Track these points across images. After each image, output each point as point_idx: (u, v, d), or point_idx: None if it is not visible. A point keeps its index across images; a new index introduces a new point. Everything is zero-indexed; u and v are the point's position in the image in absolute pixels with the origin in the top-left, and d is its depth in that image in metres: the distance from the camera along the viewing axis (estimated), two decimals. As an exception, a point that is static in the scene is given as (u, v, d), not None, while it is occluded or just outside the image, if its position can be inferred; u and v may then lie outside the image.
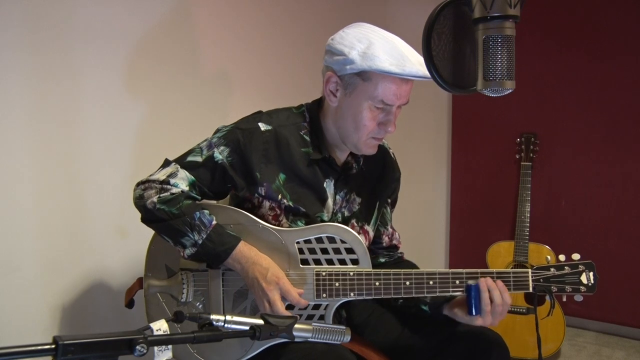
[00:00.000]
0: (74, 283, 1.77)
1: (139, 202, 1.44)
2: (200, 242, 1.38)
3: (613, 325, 2.96)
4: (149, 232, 1.53)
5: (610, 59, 2.80)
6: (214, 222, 1.40)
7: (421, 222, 3.36)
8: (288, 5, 2.53)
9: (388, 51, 1.36)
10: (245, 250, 1.40)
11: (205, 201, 1.50)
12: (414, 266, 1.63)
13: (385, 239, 1.67)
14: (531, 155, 2.89)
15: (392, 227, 1.70)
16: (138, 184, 1.48)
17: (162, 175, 1.45)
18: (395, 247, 1.70)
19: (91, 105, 1.78)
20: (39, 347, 0.79)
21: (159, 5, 1.97)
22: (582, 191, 2.93)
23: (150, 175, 1.47)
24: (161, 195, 1.41)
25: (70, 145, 1.74)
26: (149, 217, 1.43)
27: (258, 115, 1.52)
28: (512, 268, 2.73)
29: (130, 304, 1.60)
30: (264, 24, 2.41)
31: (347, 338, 1.09)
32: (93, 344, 0.83)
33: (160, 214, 1.40)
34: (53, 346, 0.80)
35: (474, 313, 1.39)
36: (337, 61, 1.41)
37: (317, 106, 1.55)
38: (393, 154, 1.70)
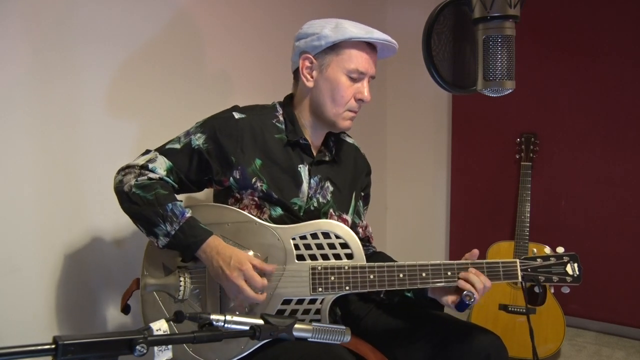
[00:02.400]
0: (74, 283, 1.77)
1: (118, 186, 1.49)
2: (172, 232, 1.41)
3: (613, 325, 2.96)
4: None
5: (610, 59, 2.80)
6: (188, 215, 1.44)
7: (421, 222, 3.36)
8: (288, 5, 2.53)
9: (355, 25, 1.51)
10: (214, 242, 1.42)
11: (204, 203, 1.51)
12: (390, 259, 1.66)
13: (360, 230, 1.72)
14: (531, 155, 2.88)
15: (366, 222, 1.76)
16: (119, 171, 1.53)
17: (141, 161, 1.52)
18: (369, 240, 1.76)
19: (91, 105, 1.78)
20: (39, 347, 0.79)
21: (159, 5, 1.97)
22: (582, 191, 2.93)
23: (130, 162, 1.53)
24: (139, 179, 1.47)
25: (70, 146, 1.74)
26: (124, 199, 1.47)
27: (233, 107, 1.61)
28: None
29: (126, 309, 1.60)
30: (264, 24, 2.42)
31: (347, 338, 1.09)
32: (93, 344, 0.83)
33: (135, 198, 1.44)
34: (53, 346, 0.80)
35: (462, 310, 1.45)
36: (311, 41, 1.52)
37: (289, 98, 1.64)
38: (363, 153, 1.78)
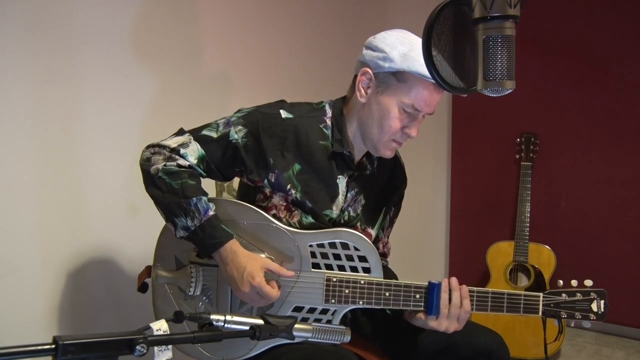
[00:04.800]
0: (74, 283, 1.77)
1: (145, 164, 1.43)
2: (192, 228, 1.37)
3: (613, 325, 2.96)
4: (150, 232, 1.53)
5: (610, 59, 2.80)
6: (211, 213, 1.39)
7: (421, 222, 3.36)
8: (288, 5, 2.53)
9: None
10: (232, 247, 1.38)
11: (222, 198, 1.49)
12: (394, 275, 1.63)
13: (380, 245, 1.68)
14: (531, 155, 2.88)
15: (387, 237, 1.71)
16: (148, 147, 1.46)
17: (173, 143, 1.44)
18: (385, 256, 1.71)
19: (90, 106, 1.78)
20: (39, 347, 0.79)
21: (159, 5, 1.97)
22: (582, 191, 2.93)
23: (162, 140, 1.46)
24: (167, 163, 1.40)
25: (70, 146, 1.74)
26: (149, 181, 1.41)
27: (280, 103, 1.52)
28: (512, 268, 2.74)
29: (143, 287, 1.56)
30: (264, 24, 2.42)
31: (347, 338, 1.09)
32: (93, 344, 0.83)
33: (160, 183, 1.39)
34: (53, 346, 0.80)
35: (431, 312, 1.40)
36: (376, 57, 1.42)
37: (341, 103, 1.55)
38: (402, 163, 1.70)
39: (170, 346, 0.92)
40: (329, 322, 1.42)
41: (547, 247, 2.68)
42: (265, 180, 1.46)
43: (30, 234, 1.67)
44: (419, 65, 1.36)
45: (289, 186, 1.46)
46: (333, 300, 1.41)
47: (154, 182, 1.40)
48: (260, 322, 1.00)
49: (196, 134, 1.46)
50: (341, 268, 1.43)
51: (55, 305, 1.73)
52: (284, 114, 1.47)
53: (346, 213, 1.54)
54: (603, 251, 2.88)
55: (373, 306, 1.42)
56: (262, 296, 1.36)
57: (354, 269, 1.43)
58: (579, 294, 1.43)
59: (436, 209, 3.34)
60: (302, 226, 1.47)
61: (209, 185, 1.58)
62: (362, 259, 1.43)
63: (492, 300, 1.43)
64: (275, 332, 1.00)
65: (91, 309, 1.84)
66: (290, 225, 1.46)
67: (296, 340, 1.05)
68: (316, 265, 1.43)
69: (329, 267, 1.43)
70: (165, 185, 1.38)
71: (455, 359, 1.47)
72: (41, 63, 1.65)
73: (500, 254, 2.75)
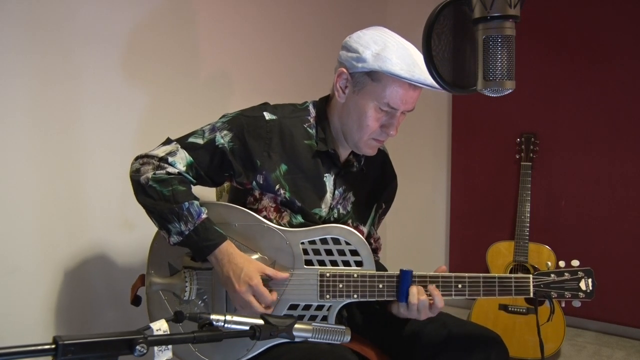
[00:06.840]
0: (74, 283, 1.78)
1: (135, 175, 1.44)
2: (186, 232, 1.38)
3: (613, 325, 2.96)
4: (150, 231, 1.53)
5: (610, 60, 2.80)
6: (204, 216, 1.40)
7: (421, 222, 3.36)
8: (288, 5, 2.53)
9: (401, 56, 1.38)
10: (227, 248, 1.39)
11: (213, 202, 1.50)
12: (385, 269, 1.62)
13: (372, 241, 1.69)
14: (531, 155, 2.88)
15: (377, 233, 1.72)
16: (137, 158, 1.48)
17: (161, 152, 1.46)
18: (376, 251, 1.72)
19: (91, 105, 1.79)
20: (39, 347, 0.79)
21: (159, 5, 1.97)
22: (582, 191, 2.93)
23: (150, 151, 1.48)
24: (157, 172, 1.42)
25: (70, 146, 1.74)
26: (140, 190, 1.42)
27: (264, 106, 1.54)
28: (512, 268, 2.74)
29: (136, 300, 1.58)
30: (264, 24, 2.42)
31: (347, 338, 1.09)
32: (93, 344, 0.83)
33: (151, 191, 1.40)
34: (53, 346, 0.80)
35: (402, 300, 1.41)
36: (351, 58, 1.43)
37: (325, 102, 1.57)
38: (390, 159, 1.72)
39: (170, 346, 0.92)
40: (324, 318, 1.43)
41: (547, 247, 2.68)
42: (254, 182, 1.47)
43: (30, 234, 1.67)
44: (390, 65, 1.37)
45: (277, 186, 1.47)
46: (328, 296, 1.42)
47: (144, 191, 1.41)
48: (260, 322, 1.00)
49: (183, 141, 1.48)
50: (334, 263, 1.44)
51: (55, 305, 1.74)
52: (267, 115, 1.49)
53: (335, 211, 1.55)
54: (603, 251, 2.87)
55: (367, 299, 1.43)
56: (258, 297, 1.36)
57: (346, 263, 1.44)
58: (567, 274, 1.47)
59: (436, 209, 3.34)
60: (292, 226, 1.48)
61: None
62: (354, 252, 1.44)
63: (484, 284, 1.44)
64: (276, 332, 1.00)
65: (91, 309, 1.84)
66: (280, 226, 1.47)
67: (296, 340, 1.05)
68: (309, 262, 1.44)
69: (321, 263, 1.44)
70: (157, 193, 1.40)
71: (454, 358, 1.47)
72: (41, 63, 1.65)
73: (500, 254, 2.75)
